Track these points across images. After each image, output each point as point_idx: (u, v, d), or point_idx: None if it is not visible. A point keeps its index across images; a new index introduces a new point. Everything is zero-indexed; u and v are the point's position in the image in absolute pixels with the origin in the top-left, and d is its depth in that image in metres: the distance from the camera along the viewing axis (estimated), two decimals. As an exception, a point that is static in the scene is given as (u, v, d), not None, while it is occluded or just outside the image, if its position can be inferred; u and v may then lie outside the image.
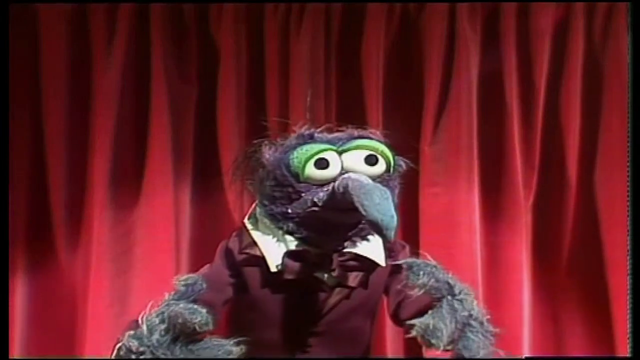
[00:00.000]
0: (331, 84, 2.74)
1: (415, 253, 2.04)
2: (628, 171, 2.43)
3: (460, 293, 1.87)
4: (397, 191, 1.98)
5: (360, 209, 1.73)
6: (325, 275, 1.90)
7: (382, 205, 1.72)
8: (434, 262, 1.93)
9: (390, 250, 2.00)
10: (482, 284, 2.67)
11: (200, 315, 1.82)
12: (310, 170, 1.86)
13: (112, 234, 2.68)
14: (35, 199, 2.73)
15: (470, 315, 1.86)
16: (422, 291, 1.84)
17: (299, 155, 1.88)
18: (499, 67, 2.74)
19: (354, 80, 2.74)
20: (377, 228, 1.72)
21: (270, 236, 1.93)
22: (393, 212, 1.73)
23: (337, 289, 1.91)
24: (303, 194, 1.87)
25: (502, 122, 2.72)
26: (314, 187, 1.87)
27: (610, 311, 2.66)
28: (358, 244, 1.93)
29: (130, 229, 2.70)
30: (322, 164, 1.86)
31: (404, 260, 1.93)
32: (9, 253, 2.41)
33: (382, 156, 1.90)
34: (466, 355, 1.83)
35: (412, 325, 1.80)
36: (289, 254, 1.89)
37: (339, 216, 1.86)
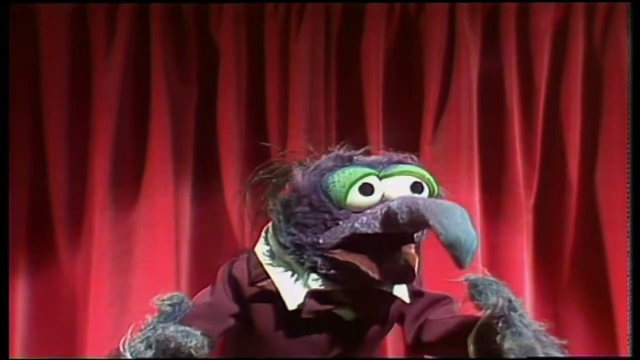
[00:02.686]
0: (331, 84, 2.74)
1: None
2: (628, 171, 2.43)
3: (520, 307, 1.72)
4: None
5: (438, 227, 1.55)
6: (344, 311, 1.76)
7: (464, 225, 1.54)
8: (492, 278, 1.78)
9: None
10: (482, 284, 2.66)
11: (195, 339, 1.68)
12: (354, 196, 1.70)
13: (112, 234, 2.68)
14: (35, 199, 2.73)
15: (534, 330, 1.71)
16: (490, 311, 1.67)
17: (340, 179, 1.71)
18: (499, 67, 2.74)
19: (354, 81, 2.74)
20: (456, 249, 1.53)
21: (289, 271, 1.77)
22: (475, 234, 1.55)
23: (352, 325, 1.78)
24: (341, 222, 1.71)
25: (503, 122, 2.72)
26: (353, 214, 1.71)
27: (611, 311, 2.66)
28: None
29: (130, 229, 2.70)
30: (366, 189, 1.70)
31: (464, 277, 1.75)
32: (9, 253, 2.41)
33: (428, 184, 1.75)
34: None
35: (507, 349, 1.63)
36: (312, 294, 1.73)
37: (388, 240, 1.69)
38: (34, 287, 2.74)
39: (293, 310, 1.75)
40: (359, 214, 1.70)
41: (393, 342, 2.64)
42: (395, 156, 1.82)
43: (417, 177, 1.75)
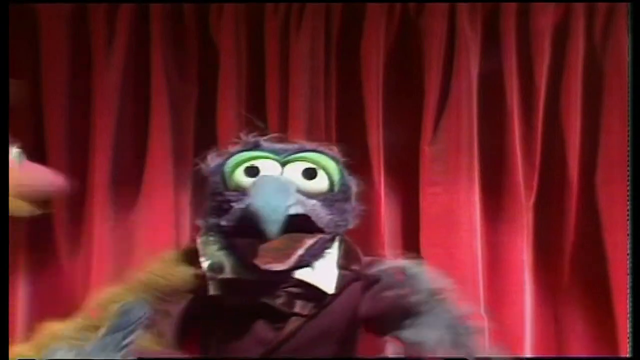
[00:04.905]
0: (331, 84, 2.74)
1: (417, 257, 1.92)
2: (628, 171, 2.43)
3: (440, 293, 1.72)
4: (347, 215, 1.79)
5: (250, 199, 1.59)
6: (276, 302, 1.72)
7: (270, 196, 1.57)
8: (421, 265, 1.78)
9: (351, 271, 1.82)
10: (482, 284, 2.67)
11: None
12: (239, 177, 1.73)
13: (112, 234, 2.68)
14: (35, 199, 2.73)
15: (454, 316, 1.72)
16: (416, 297, 1.69)
17: (231, 161, 1.75)
18: (499, 67, 2.74)
19: (354, 80, 2.74)
20: (257, 217, 1.56)
21: (210, 256, 1.77)
22: (280, 205, 1.57)
23: (294, 317, 1.73)
24: (233, 203, 1.72)
25: (503, 122, 2.72)
26: (244, 196, 1.70)
27: (611, 311, 2.66)
28: (305, 269, 1.74)
29: (130, 229, 2.70)
30: (252, 171, 1.73)
31: (398, 263, 1.77)
32: (9, 253, 2.40)
33: (324, 170, 1.75)
34: (464, 354, 1.69)
35: (398, 339, 1.66)
36: (221, 282, 1.72)
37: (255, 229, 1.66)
38: (34, 287, 2.74)
39: (223, 298, 1.72)
40: (247, 196, 1.68)
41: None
42: (308, 145, 1.81)
43: (311, 162, 1.75)
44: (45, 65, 2.74)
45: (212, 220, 1.76)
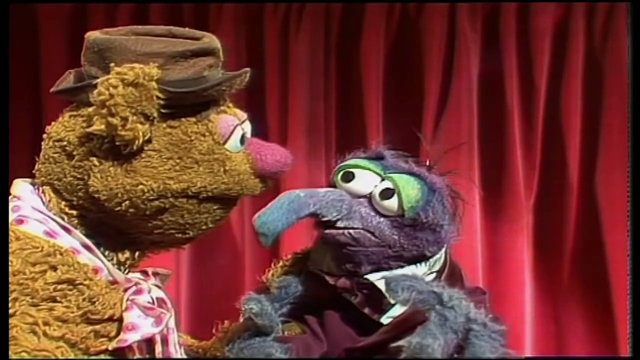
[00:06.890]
0: (331, 85, 2.74)
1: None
2: (628, 171, 2.43)
3: (450, 299, 1.65)
4: (419, 242, 1.75)
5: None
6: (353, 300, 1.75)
7: (268, 209, 1.65)
8: (413, 274, 1.74)
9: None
10: (483, 284, 2.65)
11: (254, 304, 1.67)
12: (336, 179, 1.78)
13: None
14: (35, 199, 2.72)
15: (469, 320, 1.65)
16: (406, 307, 1.66)
17: (342, 164, 1.79)
18: (499, 67, 2.74)
19: (354, 80, 2.74)
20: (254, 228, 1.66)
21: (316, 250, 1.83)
22: (274, 219, 1.65)
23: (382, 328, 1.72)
24: None
25: (503, 122, 2.72)
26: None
27: (611, 311, 2.66)
28: (383, 271, 1.74)
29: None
30: (347, 176, 1.77)
31: (380, 275, 1.73)
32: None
33: (397, 194, 1.74)
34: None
35: (401, 347, 1.70)
36: (306, 274, 1.78)
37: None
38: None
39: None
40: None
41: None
42: (417, 168, 1.80)
43: (392, 183, 1.78)
44: (45, 65, 2.74)
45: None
